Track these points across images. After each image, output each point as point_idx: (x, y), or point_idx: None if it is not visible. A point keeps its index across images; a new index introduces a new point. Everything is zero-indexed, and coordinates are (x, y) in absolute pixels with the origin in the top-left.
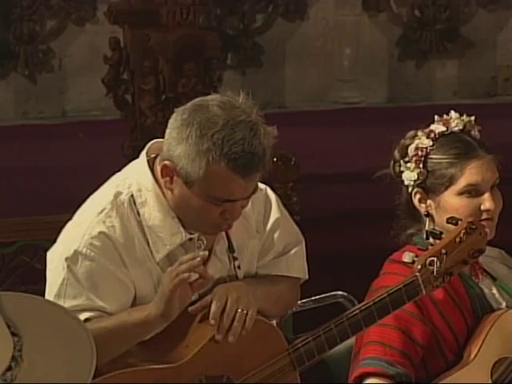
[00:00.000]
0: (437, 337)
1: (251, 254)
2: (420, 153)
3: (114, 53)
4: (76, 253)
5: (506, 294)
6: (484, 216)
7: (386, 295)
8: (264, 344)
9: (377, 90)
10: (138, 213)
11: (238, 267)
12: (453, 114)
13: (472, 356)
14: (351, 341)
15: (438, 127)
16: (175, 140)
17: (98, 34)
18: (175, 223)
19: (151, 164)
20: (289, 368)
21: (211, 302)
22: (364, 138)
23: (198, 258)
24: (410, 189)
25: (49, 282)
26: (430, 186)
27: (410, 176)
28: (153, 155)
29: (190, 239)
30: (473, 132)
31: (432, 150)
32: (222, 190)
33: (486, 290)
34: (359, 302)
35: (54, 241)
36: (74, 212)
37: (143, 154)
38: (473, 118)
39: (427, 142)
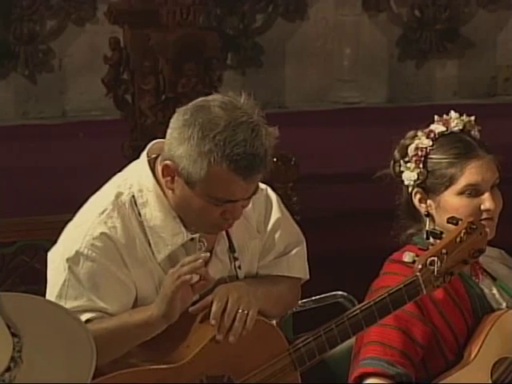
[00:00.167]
0: (437, 337)
1: (252, 254)
2: (420, 153)
3: (113, 53)
4: (77, 253)
5: (506, 294)
6: (484, 216)
7: (386, 295)
8: (264, 344)
9: (377, 90)
10: (140, 213)
11: (239, 267)
12: (453, 114)
13: (472, 356)
14: (352, 341)
15: (437, 127)
16: (177, 140)
17: (98, 34)
18: (176, 223)
19: (152, 164)
20: (290, 368)
21: (212, 302)
22: (364, 138)
23: (200, 260)
24: (410, 189)
25: (50, 282)
26: (430, 185)
27: (409, 176)
28: (153, 155)
29: (192, 239)
30: (473, 132)
31: (432, 149)
32: (223, 191)
33: (486, 290)
34: (359, 302)
35: (55, 241)
36: (74, 212)
37: (144, 154)
38: (473, 117)
39: (427, 142)
